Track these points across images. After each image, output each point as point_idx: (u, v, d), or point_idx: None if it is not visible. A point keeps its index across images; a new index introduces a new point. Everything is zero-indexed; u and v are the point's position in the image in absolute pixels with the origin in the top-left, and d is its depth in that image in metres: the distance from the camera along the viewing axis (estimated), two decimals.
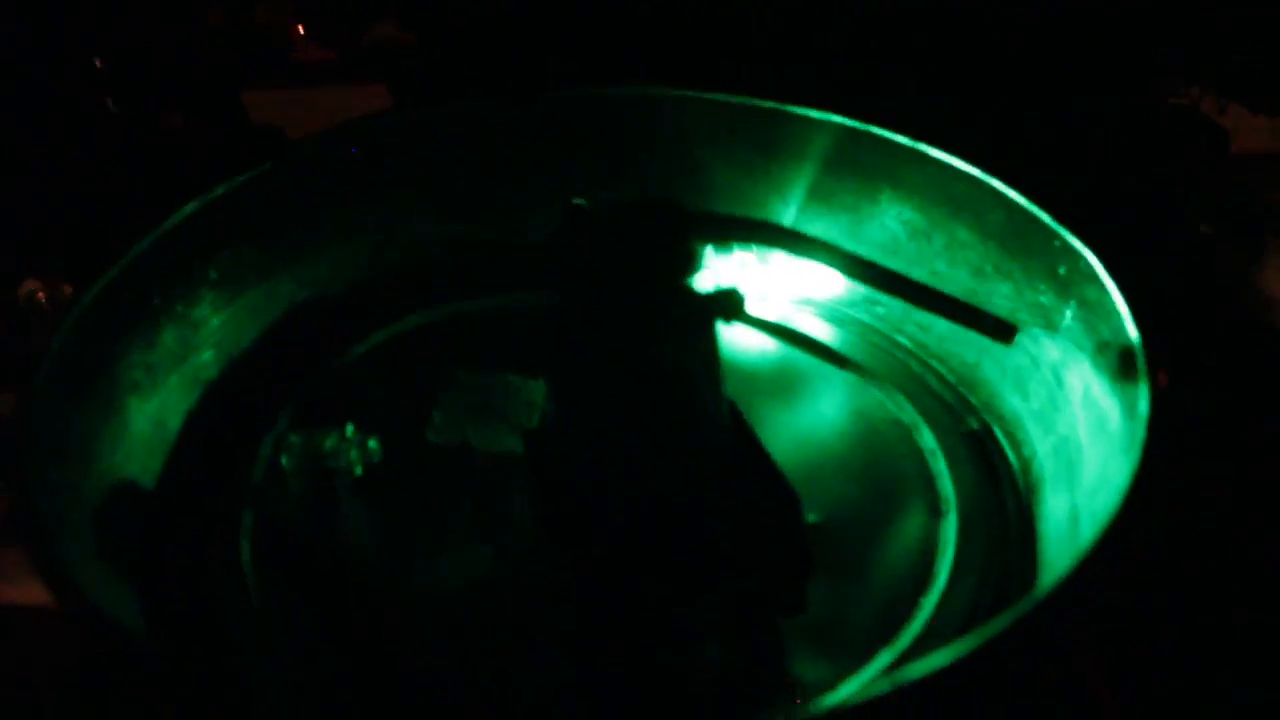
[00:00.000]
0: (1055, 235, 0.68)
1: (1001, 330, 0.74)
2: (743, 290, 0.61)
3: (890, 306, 0.81)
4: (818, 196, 0.82)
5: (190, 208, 0.72)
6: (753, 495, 0.61)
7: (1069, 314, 0.68)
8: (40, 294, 0.95)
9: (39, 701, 0.69)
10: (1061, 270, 0.68)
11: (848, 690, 0.56)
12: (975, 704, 0.54)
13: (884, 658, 0.59)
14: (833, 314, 0.83)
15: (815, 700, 0.44)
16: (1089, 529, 0.55)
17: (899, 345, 0.79)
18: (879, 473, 0.70)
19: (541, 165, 0.84)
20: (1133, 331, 0.61)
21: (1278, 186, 1.08)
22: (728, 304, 0.60)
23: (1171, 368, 0.81)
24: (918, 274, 0.79)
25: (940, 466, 0.70)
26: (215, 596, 0.62)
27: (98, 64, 1.00)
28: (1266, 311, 0.97)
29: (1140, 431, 0.55)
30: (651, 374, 0.62)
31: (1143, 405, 0.56)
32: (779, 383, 0.77)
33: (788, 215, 0.83)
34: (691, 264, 0.65)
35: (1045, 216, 0.69)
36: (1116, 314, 0.63)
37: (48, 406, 0.60)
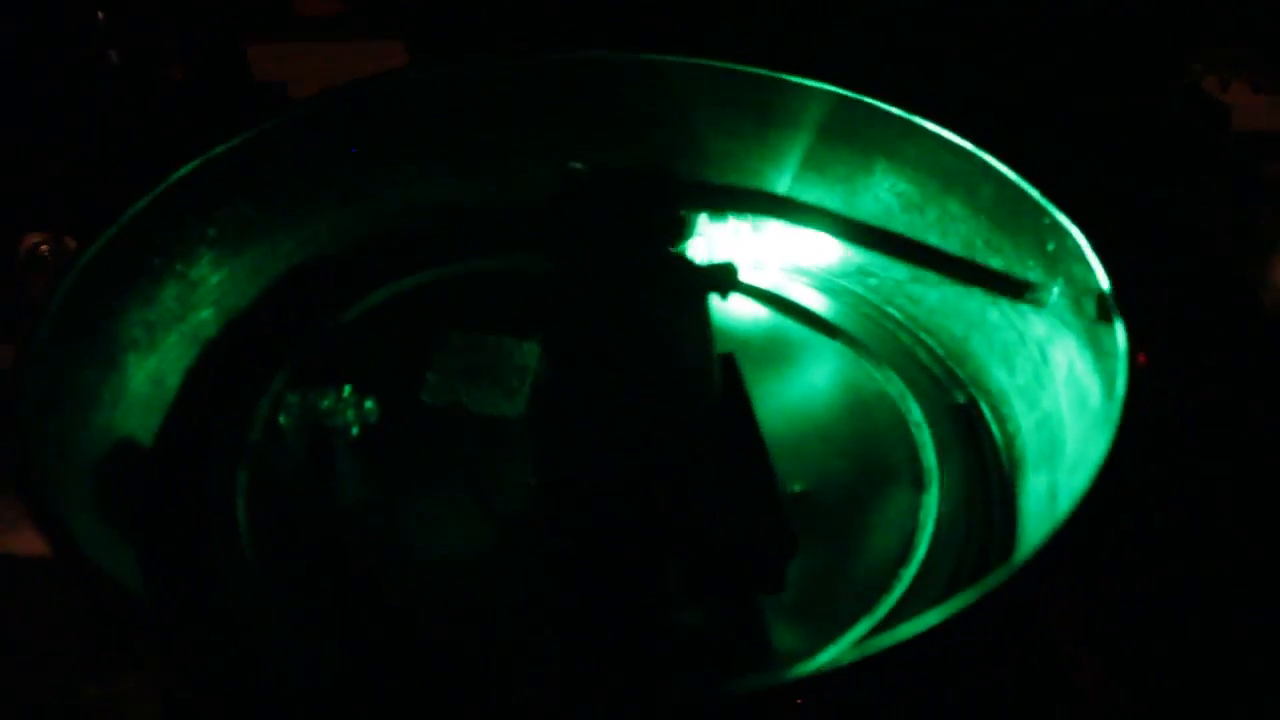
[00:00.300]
0: (1044, 212, 0.69)
1: (1013, 287, 0.74)
2: (737, 264, 0.61)
3: (883, 278, 0.81)
4: (813, 166, 0.82)
5: (189, 166, 0.72)
6: (735, 471, 0.62)
7: (1056, 290, 0.68)
8: (43, 247, 0.95)
9: (37, 651, 0.71)
10: (1050, 247, 0.69)
11: (820, 660, 0.57)
12: (952, 674, 0.56)
13: (862, 626, 0.60)
14: (826, 284, 0.83)
15: (786, 669, 0.45)
16: (1065, 505, 0.56)
17: (889, 317, 0.80)
18: (865, 444, 0.71)
19: (540, 127, 0.85)
20: (1116, 310, 0.62)
21: (1277, 161, 1.08)
22: (721, 278, 0.61)
23: (1166, 352, 0.82)
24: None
25: (925, 439, 0.71)
26: (211, 552, 0.64)
27: (100, 16, 1.00)
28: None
29: (1116, 411, 0.56)
30: (643, 338, 0.63)
31: (1120, 385, 0.57)
32: (770, 351, 0.78)
33: (782, 183, 0.84)
34: (683, 230, 0.65)
35: (1034, 192, 0.70)
36: (1101, 292, 0.63)
37: (46, 361, 0.61)
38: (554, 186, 0.76)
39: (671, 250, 0.62)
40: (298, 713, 0.49)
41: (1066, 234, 0.67)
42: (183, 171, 0.72)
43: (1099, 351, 0.63)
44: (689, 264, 0.61)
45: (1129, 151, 1.03)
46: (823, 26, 0.97)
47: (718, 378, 0.65)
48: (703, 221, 0.84)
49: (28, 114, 0.98)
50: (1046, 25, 1.01)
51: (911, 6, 0.97)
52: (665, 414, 0.63)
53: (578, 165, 0.69)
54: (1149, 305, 0.77)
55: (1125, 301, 0.62)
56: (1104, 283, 0.63)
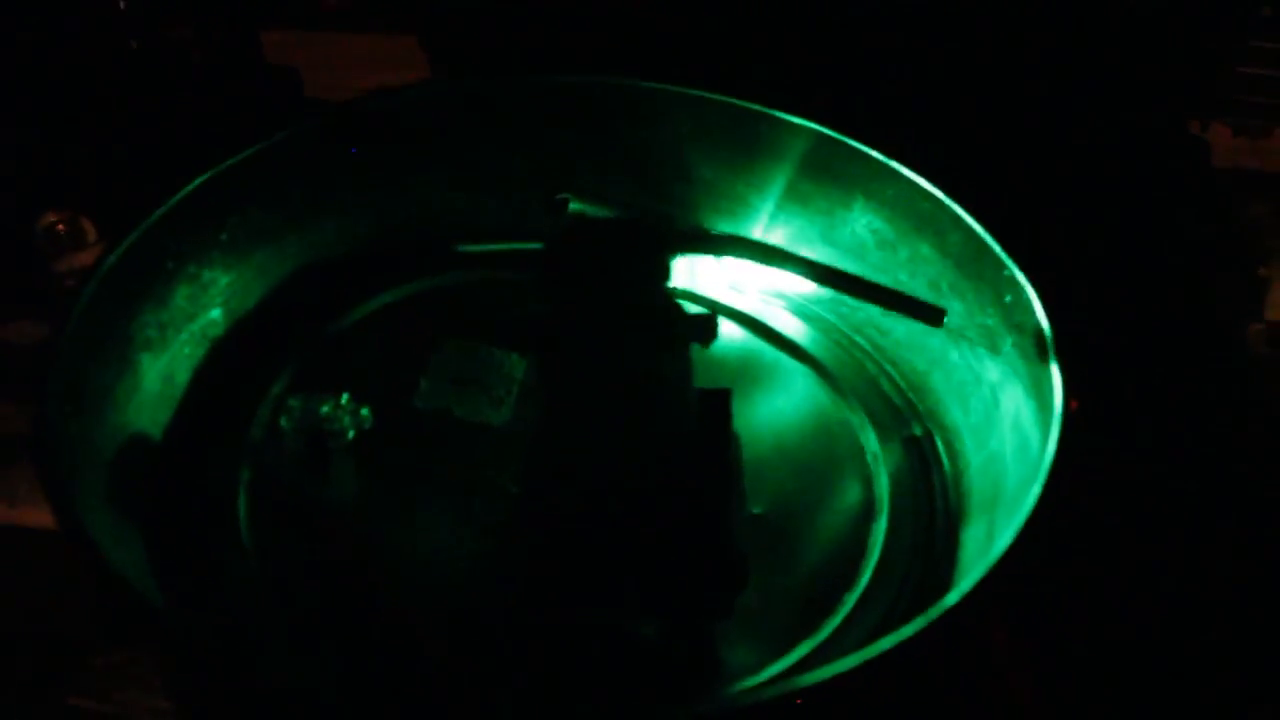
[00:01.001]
0: (1004, 265, 0.74)
1: (931, 314, 0.79)
2: (719, 317, 0.66)
3: (854, 308, 0.86)
4: (796, 197, 0.87)
5: (204, 176, 0.77)
6: (698, 504, 0.67)
7: (1010, 341, 0.73)
8: (60, 226, 1.00)
9: (49, 622, 0.77)
10: (1007, 299, 0.74)
11: (746, 688, 0.62)
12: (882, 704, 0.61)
13: (804, 648, 0.66)
14: (801, 310, 0.88)
15: (702, 704, 0.51)
16: (996, 549, 0.61)
17: (858, 346, 0.85)
18: (822, 470, 0.77)
19: (537, 144, 0.89)
20: (1056, 371, 0.67)
21: (1258, 201, 1.12)
22: (703, 328, 0.65)
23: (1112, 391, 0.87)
24: (883, 280, 0.84)
25: (880, 469, 0.76)
26: (213, 545, 0.69)
27: (121, 4, 1.04)
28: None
29: (1044, 467, 0.61)
30: (626, 375, 0.68)
31: (1050, 445, 0.62)
32: (741, 372, 0.83)
33: (765, 210, 0.88)
34: (668, 275, 0.70)
35: (996, 246, 0.74)
36: (1047, 347, 0.68)
37: (69, 366, 0.66)
38: (549, 212, 0.81)
39: (659, 297, 0.66)
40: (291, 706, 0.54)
41: (1022, 289, 0.72)
42: (200, 180, 0.77)
43: (1040, 403, 0.68)
44: (675, 310, 0.66)
45: (1111, 174, 1.07)
46: (817, 63, 1.01)
47: (694, 414, 0.70)
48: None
49: (48, 97, 1.02)
50: (1037, 58, 1.05)
51: (894, 44, 1.01)
52: (641, 445, 0.68)
53: (565, 196, 0.74)
54: (1109, 341, 0.82)
55: (1064, 356, 0.67)
56: (1047, 336, 0.68)
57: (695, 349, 0.75)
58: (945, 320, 0.78)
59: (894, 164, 0.80)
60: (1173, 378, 0.93)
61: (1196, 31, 1.00)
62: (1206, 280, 1.01)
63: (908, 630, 0.52)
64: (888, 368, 0.83)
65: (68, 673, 0.75)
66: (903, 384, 0.82)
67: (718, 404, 0.73)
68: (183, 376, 0.77)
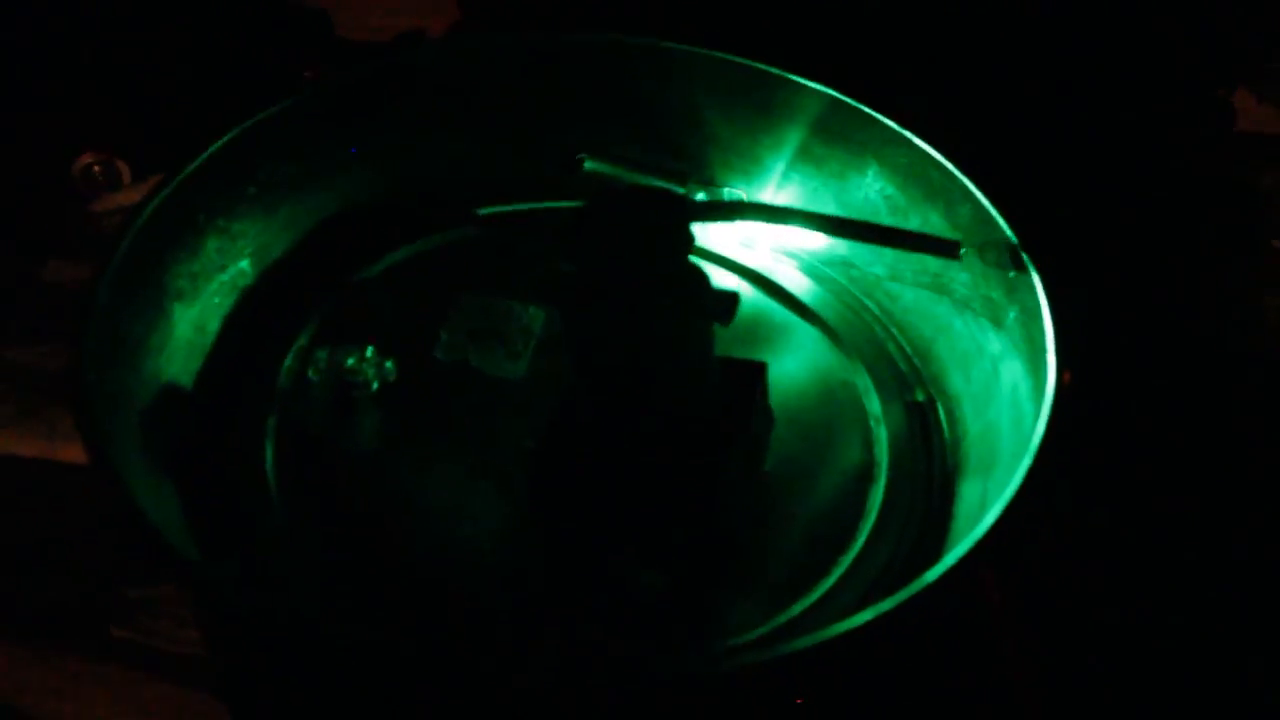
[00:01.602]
0: (1009, 240, 0.75)
1: (948, 248, 0.81)
2: (739, 298, 0.68)
3: (865, 271, 0.88)
4: (810, 158, 0.88)
5: (233, 131, 0.79)
6: (700, 470, 0.69)
7: (1012, 315, 0.75)
8: (96, 167, 1.03)
9: (78, 554, 0.81)
10: (1011, 274, 0.76)
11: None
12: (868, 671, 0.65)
13: (797, 607, 0.69)
14: (811, 269, 0.90)
15: (695, 663, 0.54)
16: (987, 518, 0.64)
17: (867, 309, 0.87)
18: (826, 431, 0.79)
19: (559, 101, 0.91)
20: (1051, 345, 0.69)
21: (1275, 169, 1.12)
22: (724, 307, 0.67)
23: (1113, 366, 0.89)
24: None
25: (881, 433, 0.79)
26: (241, 491, 0.73)
27: None
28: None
29: (1035, 441, 0.64)
30: (649, 340, 0.70)
31: (1041, 423, 0.64)
32: (752, 330, 0.85)
33: (777, 170, 0.90)
34: (691, 245, 0.72)
35: (1002, 220, 0.76)
36: (1041, 325, 0.70)
37: (105, 318, 0.69)
38: (566, 170, 0.83)
39: (685, 265, 0.68)
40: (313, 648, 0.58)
41: (1026, 265, 0.74)
42: (229, 136, 0.79)
43: (1037, 381, 0.70)
44: (701, 281, 0.67)
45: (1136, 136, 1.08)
46: (836, 28, 1.01)
47: (716, 383, 0.72)
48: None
49: (80, 41, 1.04)
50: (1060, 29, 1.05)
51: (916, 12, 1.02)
52: (659, 409, 0.70)
53: (582, 156, 0.76)
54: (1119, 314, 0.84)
55: (1064, 339, 0.69)
56: (1047, 321, 0.70)
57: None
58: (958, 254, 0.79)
59: (906, 132, 0.82)
60: (1181, 351, 0.95)
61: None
62: (1221, 253, 1.02)
63: (886, 604, 0.55)
64: (894, 332, 0.85)
65: (103, 604, 0.80)
66: (908, 349, 0.84)
67: (750, 376, 0.76)
68: (213, 325, 0.80)
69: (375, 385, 0.79)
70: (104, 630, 0.79)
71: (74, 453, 0.88)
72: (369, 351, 0.79)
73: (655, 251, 0.69)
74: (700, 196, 0.90)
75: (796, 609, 0.69)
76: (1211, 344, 0.97)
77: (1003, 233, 0.75)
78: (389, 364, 0.79)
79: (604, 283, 0.68)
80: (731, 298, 0.68)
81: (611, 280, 0.68)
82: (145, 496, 0.63)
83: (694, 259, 0.68)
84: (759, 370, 0.75)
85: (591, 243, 0.69)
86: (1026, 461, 0.64)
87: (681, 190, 0.89)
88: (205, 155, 0.78)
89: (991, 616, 0.82)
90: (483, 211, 0.89)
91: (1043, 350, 0.70)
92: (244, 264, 0.82)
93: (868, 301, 0.88)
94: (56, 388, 0.92)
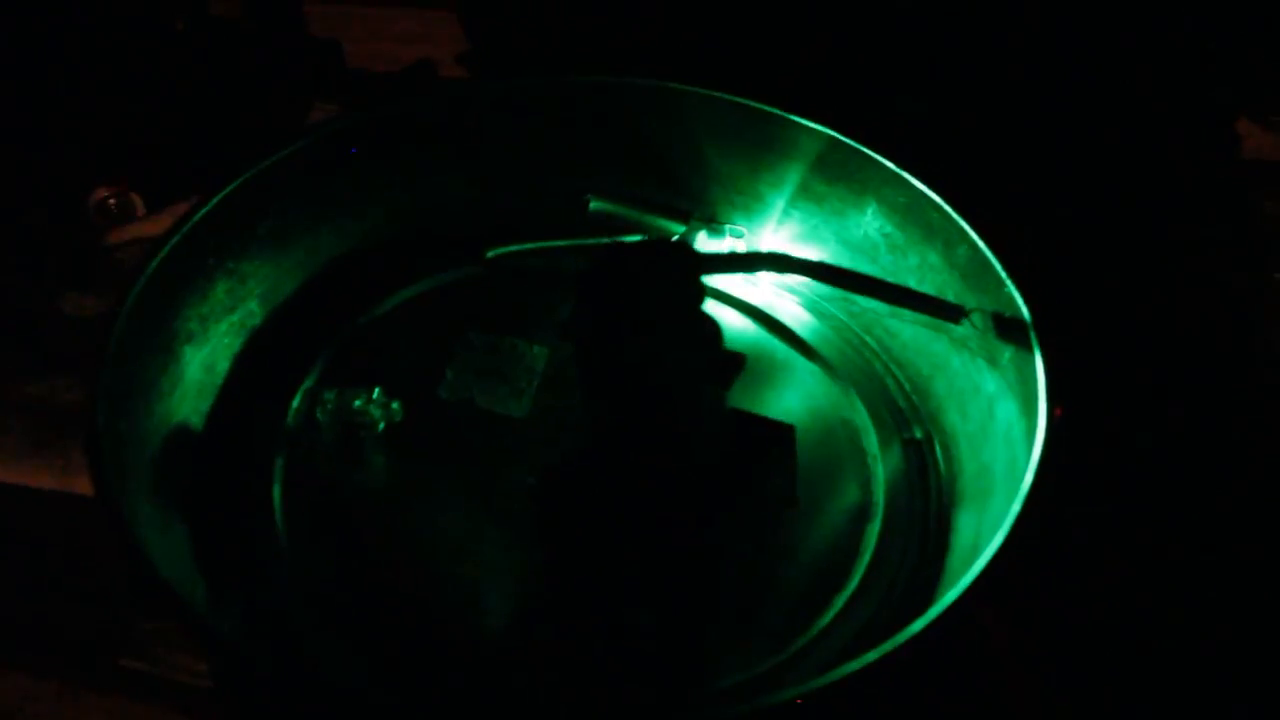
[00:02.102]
0: (1004, 282, 0.76)
1: (951, 312, 0.82)
2: (744, 360, 0.69)
3: (864, 307, 0.89)
4: (809, 196, 0.89)
5: (242, 177, 0.81)
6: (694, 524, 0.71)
7: (1008, 355, 0.76)
8: (110, 200, 1.05)
9: (98, 587, 0.83)
10: (1007, 314, 0.77)
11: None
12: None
13: (798, 643, 0.71)
14: (813, 305, 0.91)
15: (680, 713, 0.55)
16: (977, 563, 0.65)
17: (866, 345, 0.88)
18: (822, 470, 0.80)
19: (564, 140, 0.92)
20: (1043, 388, 0.70)
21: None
22: (726, 374, 0.69)
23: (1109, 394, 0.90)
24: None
25: (878, 471, 0.80)
26: (250, 530, 0.74)
27: None
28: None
29: (1024, 487, 0.65)
30: (660, 398, 0.72)
31: (1032, 468, 0.65)
32: (752, 366, 0.85)
33: (778, 207, 0.91)
34: (702, 297, 0.74)
35: (997, 264, 0.77)
36: (1033, 366, 0.71)
37: (118, 365, 0.71)
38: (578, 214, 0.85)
39: (697, 320, 0.69)
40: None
41: (1019, 307, 0.75)
42: (239, 181, 0.80)
43: (1031, 423, 0.71)
44: (709, 339, 0.69)
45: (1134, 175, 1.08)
46: (837, 69, 1.02)
47: (724, 439, 0.73)
48: (703, 237, 0.92)
49: (97, 77, 1.06)
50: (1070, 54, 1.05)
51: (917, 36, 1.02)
52: (666, 462, 0.71)
53: (589, 198, 0.77)
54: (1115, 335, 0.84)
55: (1054, 382, 0.70)
56: (1038, 362, 0.71)
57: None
58: (959, 320, 0.80)
59: (905, 174, 0.83)
60: (1178, 380, 0.95)
61: (1229, 26, 1.00)
62: (1222, 281, 1.02)
63: (870, 656, 0.56)
64: (893, 368, 0.87)
65: (116, 636, 0.82)
66: (907, 386, 0.86)
67: (785, 440, 0.77)
68: (223, 365, 0.82)
69: (381, 426, 0.80)
70: (114, 661, 0.81)
71: (88, 485, 0.90)
72: (376, 393, 0.80)
73: (666, 303, 0.70)
74: (703, 234, 0.91)
75: (793, 647, 0.70)
76: (1210, 364, 0.97)
77: (999, 282, 0.76)
78: (395, 405, 0.81)
79: (615, 332, 0.70)
80: (736, 362, 0.69)
81: (623, 330, 0.69)
82: (153, 539, 0.65)
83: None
84: (790, 433, 0.77)
85: (602, 293, 0.70)
86: (1016, 507, 0.65)
87: (683, 227, 0.90)
88: (215, 200, 0.79)
89: (989, 651, 0.83)
90: (489, 253, 0.91)
91: (1035, 392, 0.71)
92: (253, 305, 0.84)
93: (867, 338, 0.89)
94: (72, 421, 0.94)
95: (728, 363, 0.69)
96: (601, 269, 0.70)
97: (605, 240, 0.82)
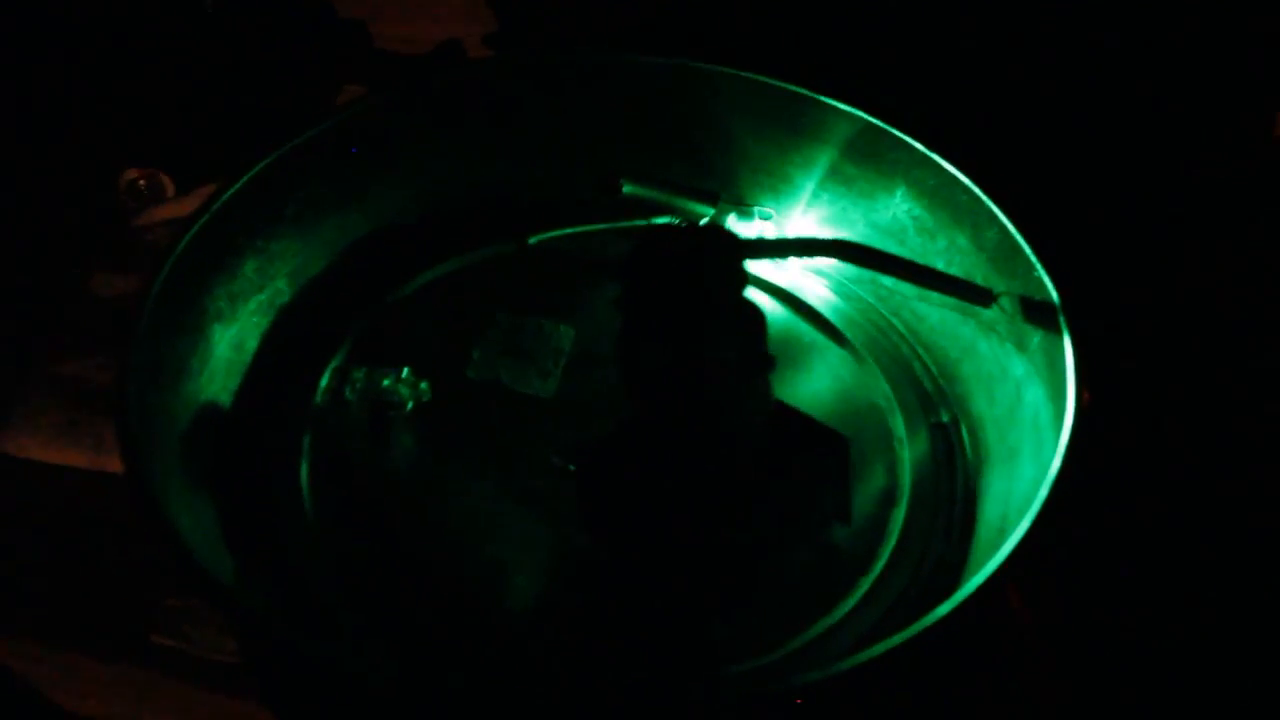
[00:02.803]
0: (1033, 266, 0.75)
1: (981, 295, 0.82)
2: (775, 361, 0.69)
3: (893, 290, 0.89)
4: (838, 179, 0.89)
5: (271, 156, 0.81)
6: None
7: (1036, 339, 0.76)
8: (141, 182, 1.06)
9: (129, 564, 0.84)
10: (1036, 298, 0.76)
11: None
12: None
13: (819, 626, 0.71)
14: (840, 288, 0.91)
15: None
16: (1004, 547, 0.64)
17: (894, 328, 0.88)
18: (851, 454, 0.80)
19: (593, 120, 0.92)
20: (1072, 372, 0.69)
21: None
22: (759, 365, 0.69)
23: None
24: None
25: (904, 455, 0.80)
26: (277, 508, 0.75)
27: None
28: None
29: (1052, 473, 0.64)
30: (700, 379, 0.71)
31: (1059, 454, 0.65)
32: (780, 350, 0.86)
33: (807, 189, 0.91)
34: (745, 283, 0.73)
35: (1027, 247, 0.76)
36: (1062, 351, 0.71)
37: (147, 343, 0.71)
38: (604, 192, 0.84)
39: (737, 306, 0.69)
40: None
41: (1049, 290, 0.74)
42: (267, 160, 0.81)
43: (1059, 408, 0.70)
44: (752, 331, 0.68)
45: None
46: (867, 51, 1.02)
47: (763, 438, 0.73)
48: (732, 219, 0.92)
49: (128, 59, 1.07)
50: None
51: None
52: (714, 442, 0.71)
53: (622, 181, 0.77)
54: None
55: (1083, 367, 0.69)
56: (1067, 347, 0.70)
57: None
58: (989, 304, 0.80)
59: (935, 155, 0.82)
60: (1212, 366, 0.94)
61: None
62: (1259, 267, 1.01)
63: (896, 639, 0.56)
64: (921, 352, 0.86)
65: (146, 613, 0.82)
66: (934, 369, 0.85)
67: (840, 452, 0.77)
68: (251, 344, 0.82)
69: (410, 405, 0.81)
70: (145, 636, 0.82)
71: (119, 464, 0.91)
72: (405, 372, 0.81)
73: (709, 288, 0.70)
74: (731, 216, 0.91)
75: (817, 630, 0.70)
76: (1244, 351, 0.96)
77: (1029, 266, 0.76)
78: (424, 385, 0.81)
79: (663, 315, 0.69)
80: (769, 358, 0.69)
81: (671, 314, 0.69)
82: (182, 517, 0.66)
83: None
84: (845, 446, 0.77)
85: (647, 278, 0.70)
86: (1044, 492, 0.64)
87: (712, 210, 0.90)
88: (244, 180, 0.79)
89: (1015, 631, 0.82)
90: (530, 239, 0.91)
91: (1064, 377, 0.70)
92: (281, 283, 0.84)
93: (895, 321, 0.88)
94: (104, 401, 0.95)
95: (760, 361, 0.69)
96: (651, 253, 0.70)
97: (641, 223, 0.81)
